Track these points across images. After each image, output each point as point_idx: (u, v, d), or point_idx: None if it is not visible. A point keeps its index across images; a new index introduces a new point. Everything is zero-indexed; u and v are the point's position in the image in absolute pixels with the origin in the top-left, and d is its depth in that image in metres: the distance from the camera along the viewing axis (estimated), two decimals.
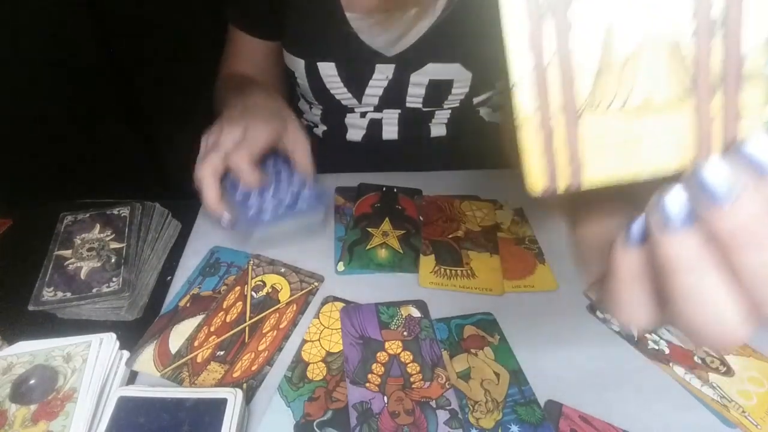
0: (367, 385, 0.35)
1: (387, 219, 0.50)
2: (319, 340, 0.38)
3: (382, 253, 0.46)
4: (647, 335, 0.39)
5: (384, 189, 0.54)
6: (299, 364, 0.37)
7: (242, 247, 0.46)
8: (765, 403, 0.34)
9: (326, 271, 0.45)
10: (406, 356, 0.37)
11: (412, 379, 0.35)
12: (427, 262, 0.46)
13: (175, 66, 0.76)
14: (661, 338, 0.39)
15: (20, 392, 0.32)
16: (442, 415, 0.33)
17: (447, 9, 0.52)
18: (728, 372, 0.36)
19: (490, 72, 0.58)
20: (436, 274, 0.45)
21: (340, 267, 0.45)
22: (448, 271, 0.45)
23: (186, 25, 0.73)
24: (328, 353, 0.37)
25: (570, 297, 0.43)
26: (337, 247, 0.47)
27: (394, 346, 0.38)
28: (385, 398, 0.34)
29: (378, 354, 0.37)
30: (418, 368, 0.36)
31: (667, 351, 0.38)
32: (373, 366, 0.36)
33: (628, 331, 0.39)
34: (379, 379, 0.35)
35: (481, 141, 0.65)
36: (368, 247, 0.47)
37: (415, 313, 0.40)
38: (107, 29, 0.75)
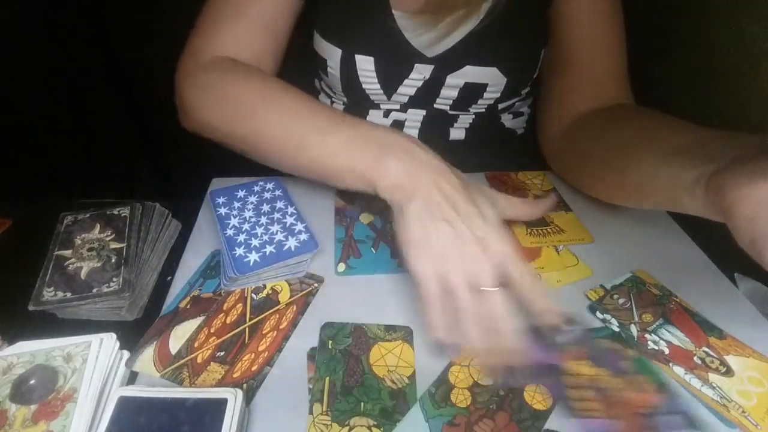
0: (593, 413, 0.33)
1: None
2: (468, 366, 0.36)
3: None
4: (647, 335, 0.39)
5: None
6: (444, 384, 0.35)
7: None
8: (765, 403, 0.34)
9: (326, 272, 0.45)
10: (601, 372, 0.35)
11: (621, 394, 0.34)
12: (518, 227, 0.50)
13: (177, 66, 0.76)
14: (660, 338, 0.39)
15: (20, 392, 0.32)
16: (675, 420, 0.33)
17: (492, 12, 0.52)
18: (728, 372, 0.36)
19: (522, 79, 0.58)
20: (532, 235, 0.49)
21: (341, 268, 0.45)
22: (540, 230, 0.50)
23: (187, 26, 0.73)
24: (476, 383, 0.35)
25: (571, 297, 0.43)
26: (337, 248, 0.47)
27: (582, 366, 0.35)
28: (617, 421, 0.32)
29: (576, 378, 0.35)
30: (618, 381, 0.35)
31: (666, 351, 0.38)
32: (583, 392, 0.34)
33: None
34: (597, 405, 0.33)
35: (497, 147, 0.66)
36: None
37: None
38: (108, 30, 0.75)
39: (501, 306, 0.34)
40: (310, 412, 0.33)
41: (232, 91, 0.46)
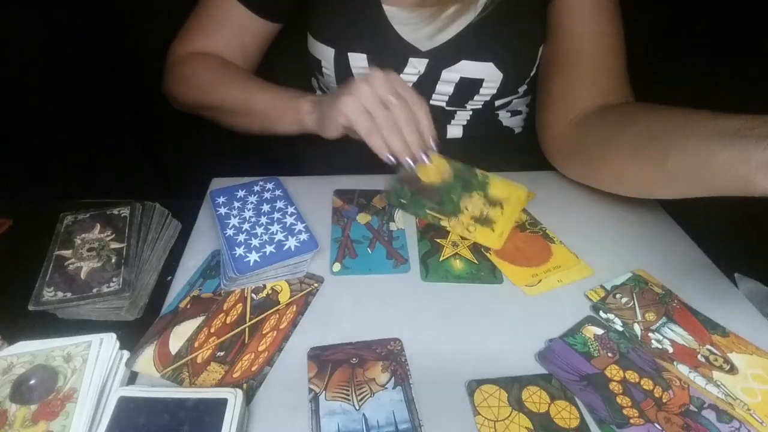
0: (631, 421, 0.33)
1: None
2: None
3: (458, 264, 0.46)
4: (650, 334, 0.39)
5: None
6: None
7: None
8: None
9: (326, 272, 0.45)
10: (633, 376, 0.36)
11: (656, 395, 0.34)
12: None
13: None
14: (664, 337, 0.39)
15: (20, 392, 0.32)
16: (711, 416, 0.33)
17: (487, 7, 0.52)
18: (732, 370, 0.36)
19: (518, 75, 0.58)
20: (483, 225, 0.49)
21: (336, 267, 0.45)
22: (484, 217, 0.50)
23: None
24: None
25: (571, 297, 0.43)
26: (333, 247, 0.47)
27: (614, 372, 0.36)
28: (657, 425, 0.33)
29: (610, 386, 0.35)
30: (651, 383, 0.35)
31: (671, 350, 0.38)
32: (618, 399, 0.34)
33: None
34: (635, 411, 0.34)
35: (494, 146, 0.65)
36: (441, 258, 0.46)
37: (598, 330, 0.39)
38: (108, 29, 0.75)
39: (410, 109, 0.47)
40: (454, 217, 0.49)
41: (197, 76, 0.59)
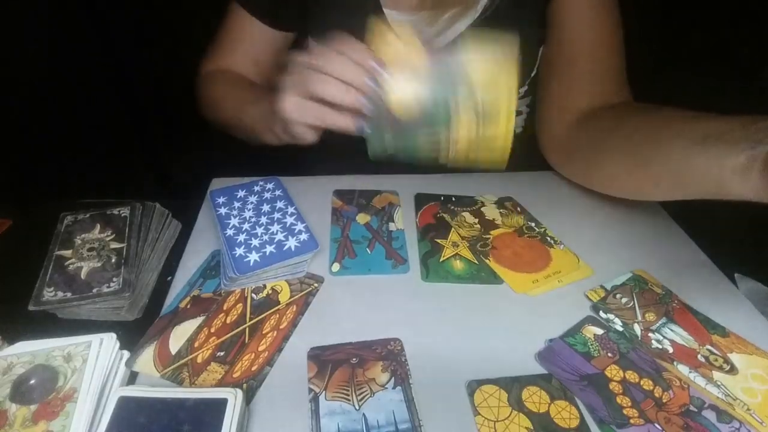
0: (631, 421, 0.33)
1: (453, 229, 0.50)
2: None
3: (458, 265, 0.46)
4: (650, 334, 0.39)
5: (442, 198, 0.54)
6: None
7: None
8: None
9: (326, 272, 0.45)
10: (633, 376, 0.36)
11: (656, 395, 0.34)
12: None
13: (176, 66, 0.76)
14: (664, 337, 0.39)
15: (20, 392, 0.32)
16: (711, 416, 0.33)
17: (488, 9, 0.53)
18: (732, 370, 0.36)
19: (519, 76, 0.58)
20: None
21: (335, 268, 0.45)
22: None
23: (187, 26, 0.73)
24: None
25: (571, 297, 0.43)
26: (332, 247, 0.47)
27: (614, 372, 0.36)
28: (657, 425, 0.33)
29: (610, 386, 0.35)
30: (651, 383, 0.35)
31: (671, 350, 0.38)
32: (618, 400, 0.34)
33: None
34: (635, 411, 0.34)
35: None
36: (442, 258, 0.46)
37: (598, 330, 0.39)
38: (108, 30, 0.75)
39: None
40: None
41: (211, 94, 0.61)
